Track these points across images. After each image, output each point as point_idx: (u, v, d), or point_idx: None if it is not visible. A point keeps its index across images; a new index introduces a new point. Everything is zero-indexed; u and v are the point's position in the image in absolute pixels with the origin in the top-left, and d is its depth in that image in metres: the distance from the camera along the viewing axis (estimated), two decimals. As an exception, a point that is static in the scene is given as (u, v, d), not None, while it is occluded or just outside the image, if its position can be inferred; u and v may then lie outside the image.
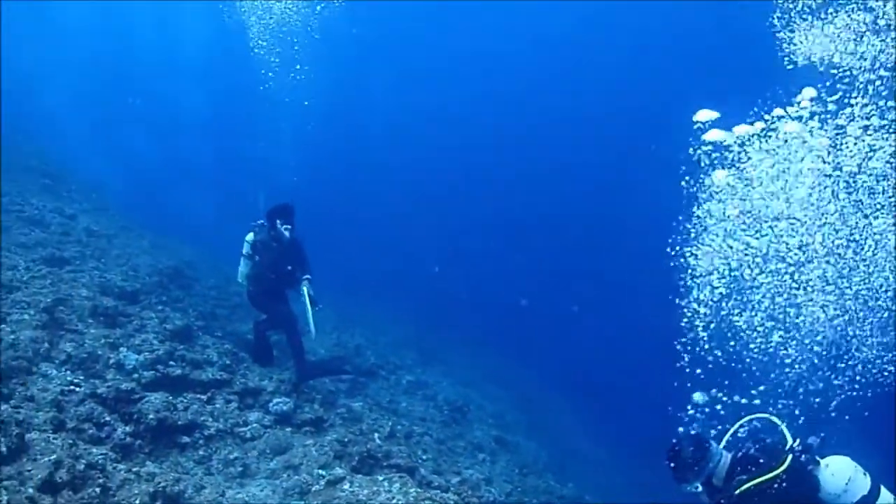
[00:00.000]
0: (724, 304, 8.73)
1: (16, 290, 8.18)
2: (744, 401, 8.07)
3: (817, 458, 4.74)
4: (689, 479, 4.87)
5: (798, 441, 4.79)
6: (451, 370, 15.31)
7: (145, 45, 35.44)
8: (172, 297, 10.96)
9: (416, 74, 37.66)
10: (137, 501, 5.60)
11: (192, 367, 8.47)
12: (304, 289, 9.49)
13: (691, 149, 8.49)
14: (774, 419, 4.98)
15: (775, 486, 4.52)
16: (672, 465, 4.92)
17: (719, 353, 8.71)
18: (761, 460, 4.68)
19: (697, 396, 7.94)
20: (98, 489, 5.43)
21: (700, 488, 4.85)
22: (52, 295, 8.31)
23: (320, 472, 7.10)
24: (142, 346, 8.21)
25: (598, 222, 28.90)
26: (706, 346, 8.72)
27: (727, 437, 5.05)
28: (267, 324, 9.98)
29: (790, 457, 4.63)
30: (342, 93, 29.59)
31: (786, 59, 8.23)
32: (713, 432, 5.20)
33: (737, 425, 5.09)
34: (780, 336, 8.58)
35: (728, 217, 8.56)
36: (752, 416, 5.12)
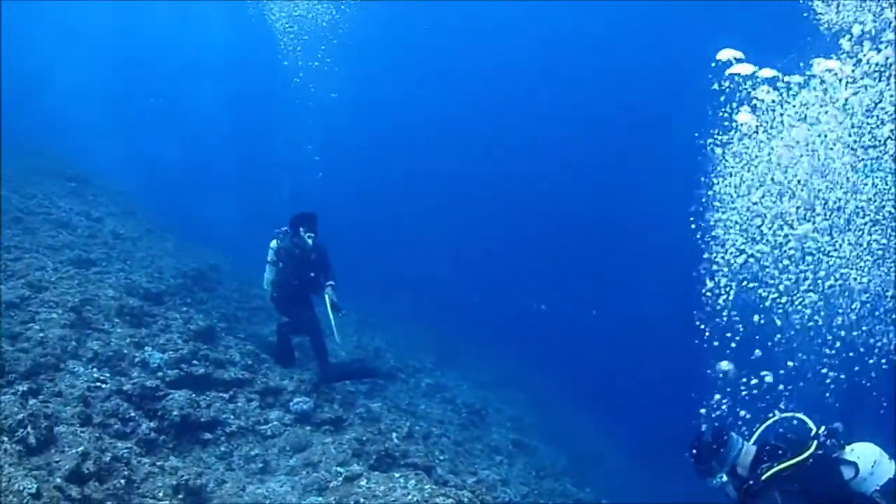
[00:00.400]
0: (749, 269, 8.58)
1: (44, 290, 8.41)
2: (769, 378, 7.99)
3: (842, 443, 4.78)
4: (712, 471, 4.88)
5: (823, 427, 4.81)
6: (470, 373, 15.40)
7: (166, 46, 35.78)
8: (196, 299, 11.18)
9: (437, 77, 37.77)
10: (161, 493, 5.77)
11: (214, 366, 8.65)
12: (327, 296, 9.66)
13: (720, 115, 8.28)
14: (801, 416, 5.01)
15: (802, 470, 4.55)
16: (694, 455, 4.97)
17: (740, 327, 8.58)
18: (786, 448, 4.73)
19: (724, 365, 7.90)
20: (123, 481, 5.59)
21: (725, 478, 4.88)
22: (79, 295, 8.54)
23: (338, 469, 7.24)
24: (166, 346, 8.41)
25: (615, 225, 28.85)
26: (728, 318, 8.59)
27: (756, 435, 5.07)
28: (290, 327, 10.17)
29: (815, 443, 4.68)
30: (364, 93, 29.75)
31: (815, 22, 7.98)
32: (745, 432, 5.23)
33: (765, 425, 5.12)
34: (813, 298, 8.35)
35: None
36: (780, 416, 5.16)
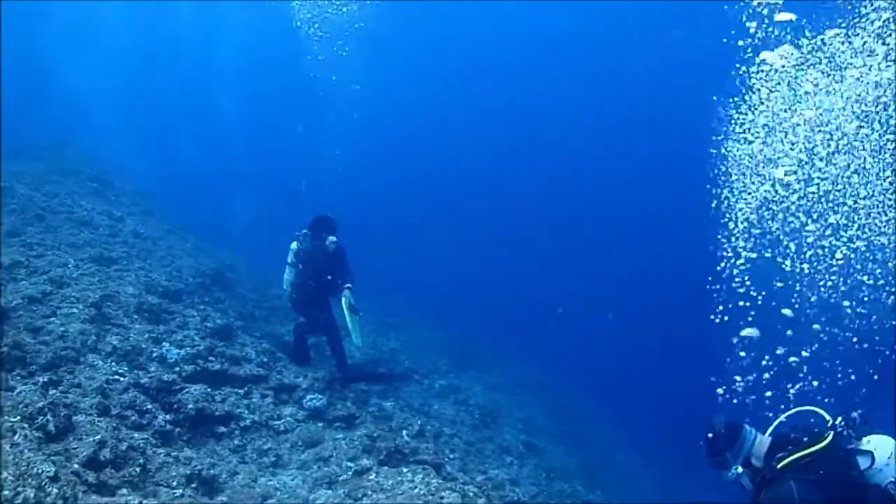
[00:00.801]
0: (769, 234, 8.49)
1: (66, 286, 8.63)
2: (793, 359, 7.93)
3: (859, 434, 4.81)
4: (727, 462, 4.89)
5: (840, 418, 4.79)
6: (484, 376, 15.44)
7: (184, 45, 36.03)
8: (214, 298, 11.36)
9: (451, 77, 37.80)
10: (174, 482, 5.94)
11: (230, 362, 8.81)
12: (344, 298, 9.80)
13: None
14: (817, 409, 5.03)
15: (818, 459, 4.55)
16: (707, 447, 4.99)
17: (756, 295, 8.51)
18: (803, 438, 4.73)
19: (748, 332, 7.88)
20: (138, 469, 5.78)
21: (740, 470, 4.88)
22: (99, 291, 8.74)
23: (349, 464, 7.38)
24: (183, 342, 8.60)
25: (633, 229, 28.81)
26: (744, 287, 8.53)
27: (771, 428, 5.08)
28: (306, 327, 10.35)
29: (832, 433, 4.70)
30: (383, 90, 29.84)
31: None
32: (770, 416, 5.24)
33: (781, 418, 5.14)
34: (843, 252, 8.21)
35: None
36: (796, 410, 5.18)
